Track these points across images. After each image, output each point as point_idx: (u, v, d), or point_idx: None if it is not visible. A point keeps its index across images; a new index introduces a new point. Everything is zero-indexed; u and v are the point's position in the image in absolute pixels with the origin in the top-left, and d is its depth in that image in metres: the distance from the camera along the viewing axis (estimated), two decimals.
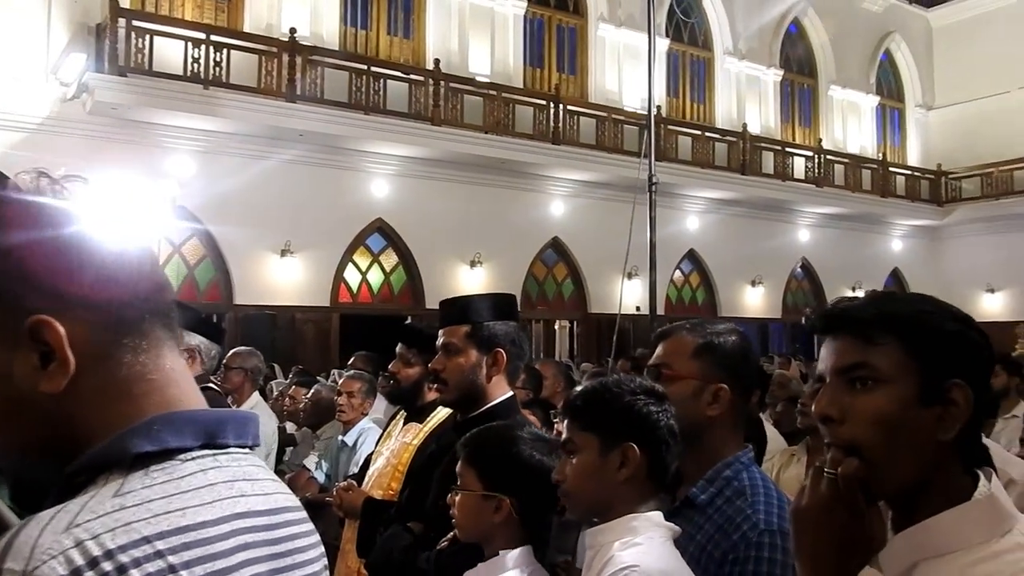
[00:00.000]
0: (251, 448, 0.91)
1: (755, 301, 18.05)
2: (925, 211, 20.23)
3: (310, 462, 4.71)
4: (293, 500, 0.93)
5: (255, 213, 12.10)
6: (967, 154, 20.23)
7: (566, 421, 1.66)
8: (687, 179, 15.81)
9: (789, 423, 4.50)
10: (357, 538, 2.83)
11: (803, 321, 18.33)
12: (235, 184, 11.88)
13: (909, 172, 20.44)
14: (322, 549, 0.96)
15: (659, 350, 1.79)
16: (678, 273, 17.20)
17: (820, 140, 19.07)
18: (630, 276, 13.56)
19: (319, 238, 12.80)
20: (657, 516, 1.58)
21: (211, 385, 3.46)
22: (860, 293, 16.11)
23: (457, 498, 1.86)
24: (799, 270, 19.10)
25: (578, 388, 1.71)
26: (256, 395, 4.69)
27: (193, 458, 0.83)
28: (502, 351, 2.21)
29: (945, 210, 20.35)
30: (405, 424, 3.08)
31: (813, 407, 1.13)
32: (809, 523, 1.11)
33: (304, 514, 0.94)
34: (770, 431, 4.25)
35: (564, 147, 14.42)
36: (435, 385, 2.25)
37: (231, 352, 4.52)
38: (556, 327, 16.27)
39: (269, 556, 0.85)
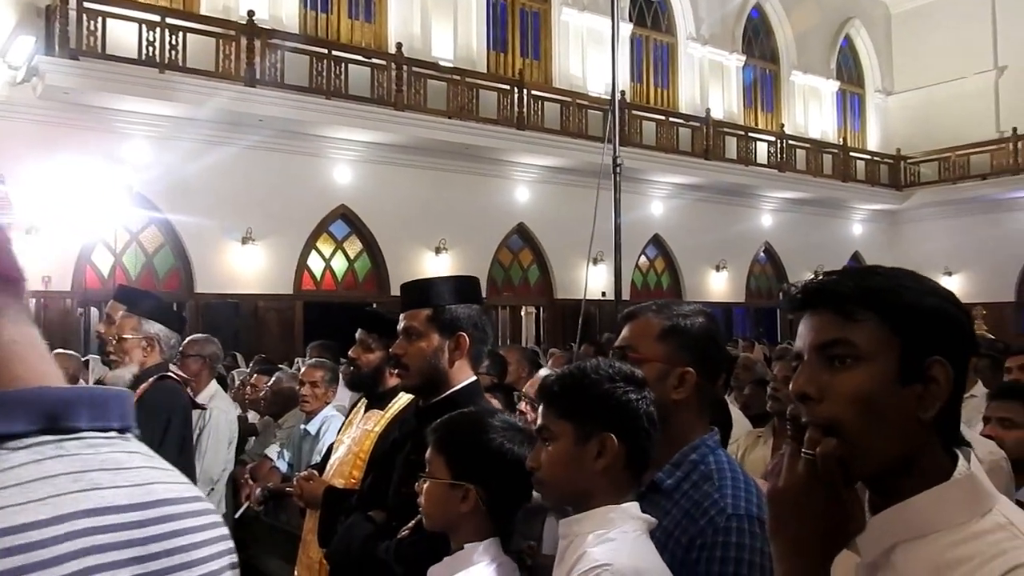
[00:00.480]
0: (121, 432, 0.77)
1: (719, 285, 18.18)
2: (884, 195, 20.50)
3: (272, 451, 4.63)
4: (182, 491, 0.78)
5: (215, 200, 11.89)
6: (925, 139, 20.53)
7: (541, 407, 1.60)
8: (651, 164, 15.84)
9: (755, 406, 4.53)
10: (318, 528, 2.77)
11: (780, 296, 18.52)
12: (194, 171, 11.66)
13: (869, 157, 20.70)
14: (227, 545, 0.81)
15: (625, 332, 1.75)
16: (643, 258, 17.26)
17: (782, 125, 19.22)
18: (595, 262, 13.58)
19: (281, 225, 12.62)
20: (634, 508, 1.54)
21: (170, 374, 3.36)
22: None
23: (425, 486, 1.80)
24: (762, 254, 19.27)
25: (554, 373, 1.65)
26: (214, 383, 4.60)
27: (26, 446, 0.69)
28: (465, 335, 2.15)
29: (904, 194, 20.64)
30: (366, 411, 3.02)
31: (791, 385, 1.09)
32: (787, 505, 1.08)
33: (201, 506, 0.79)
34: (735, 414, 4.25)
35: (529, 132, 14.35)
36: (396, 370, 2.19)
37: (188, 339, 4.42)
38: (522, 313, 16.25)
39: (130, 560, 0.71)
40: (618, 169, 3.24)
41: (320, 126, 12.49)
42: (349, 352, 3.09)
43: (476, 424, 1.83)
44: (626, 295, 16.79)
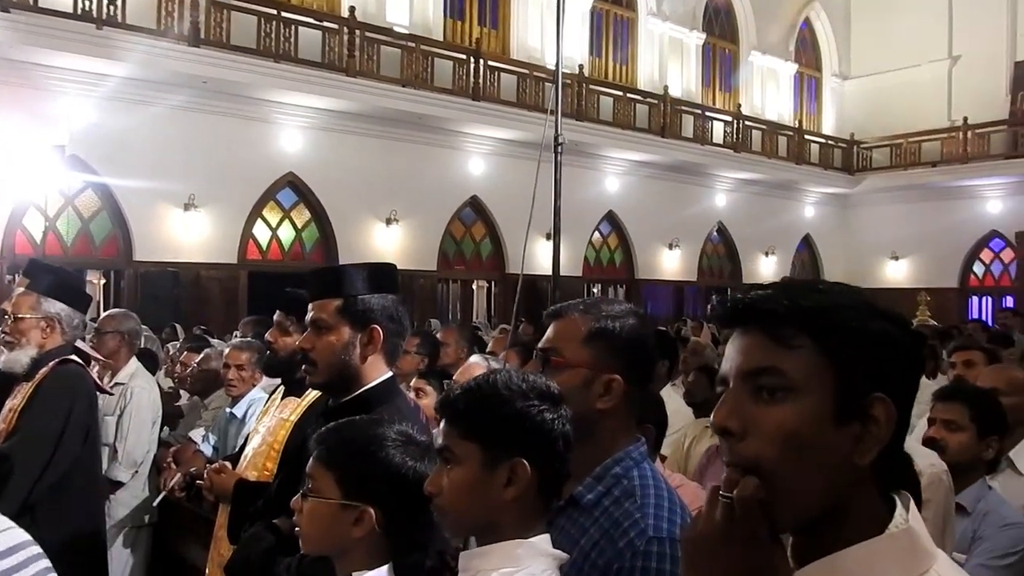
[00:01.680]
0: None
1: (672, 264, 18.20)
2: (837, 179, 20.68)
3: (196, 435, 4.41)
4: None
5: (156, 164, 11.46)
6: (878, 124, 20.71)
7: (443, 424, 1.41)
8: (607, 140, 15.74)
9: (699, 392, 4.41)
10: (228, 524, 2.60)
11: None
12: (134, 133, 11.21)
13: (823, 140, 20.83)
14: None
15: (549, 332, 1.60)
16: (597, 234, 17.19)
17: (739, 105, 19.21)
18: (548, 237, 13.46)
19: (226, 192, 12.24)
20: (543, 543, 1.38)
21: (73, 357, 3.12)
22: (773, 258, 16.43)
23: (306, 505, 1.58)
24: (715, 234, 19.33)
25: (459, 385, 1.46)
26: (134, 361, 4.36)
27: None
28: (378, 328, 1.97)
29: (856, 178, 20.84)
30: (284, 398, 2.85)
31: (712, 416, 0.95)
32: (701, 555, 0.94)
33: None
34: (678, 403, 4.16)
35: (484, 103, 14.10)
36: (304, 366, 2.00)
37: (104, 315, 4.18)
38: (474, 287, 16.09)
39: None
40: (560, 148, 3.07)
41: (268, 90, 12.08)
42: (266, 335, 2.90)
43: (369, 436, 1.61)
44: (579, 271, 16.81)
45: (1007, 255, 19.41)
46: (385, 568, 1.57)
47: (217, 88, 11.51)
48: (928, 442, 2.48)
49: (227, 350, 4.24)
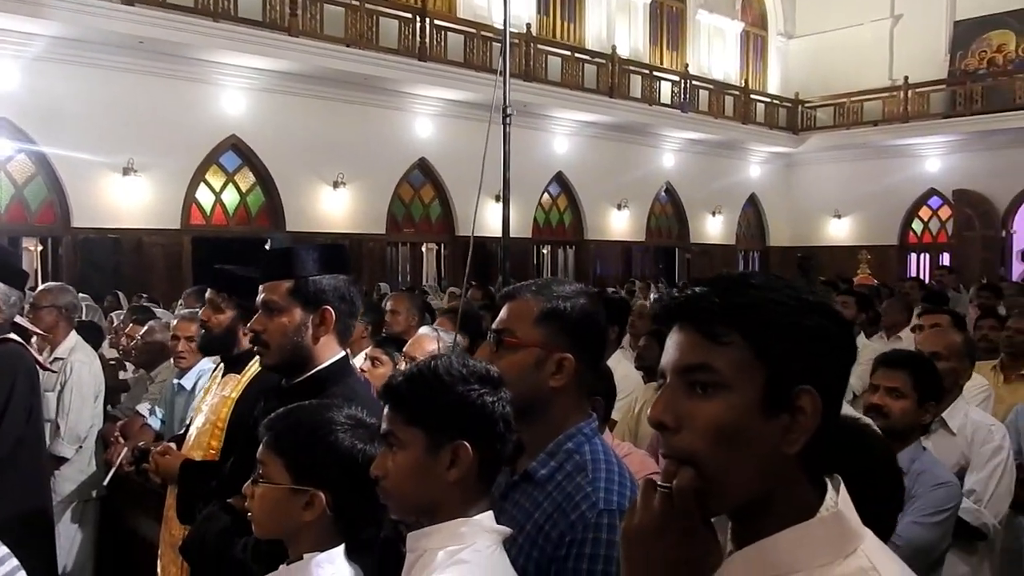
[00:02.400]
0: None
1: (620, 224, 18.32)
2: (782, 138, 20.95)
3: (143, 408, 4.36)
4: None
5: (92, 128, 11.12)
6: (822, 84, 20.98)
7: (387, 409, 1.44)
8: (556, 101, 15.69)
9: (649, 357, 4.45)
10: (177, 504, 2.59)
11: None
12: (68, 96, 10.85)
13: (768, 100, 21.04)
14: None
15: (503, 313, 1.63)
16: (546, 196, 17.20)
17: (687, 65, 19.26)
18: (498, 199, 13.45)
19: (166, 156, 11.92)
20: (487, 520, 1.42)
21: (11, 336, 3.05)
22: (720, 218, 16.60)
23: (257, 490, 1.60)
24: (663, 194, 19.48)
25: (401, 372, 1.49)
26: (73, 335, 4.28)
27: None
28: (330, 309, 1.97)
29: (800, 138, 21.13)
30: (224, 376, 2.85)
31: (649, 412, 0.98)
32: (639, 545, 0.98)
33: None
34: (626, 368, 4.21)
35: (430, 64, 13.91)
36: (256, 347, 1.99)
37: (40, 289, 4.09)
38: (423, 249, 16.02)
39: None
40: (508, 119, 3.06)
41: (207, 50, 11.75)
42: (199, 314, 2.91)
43: (320, 421, 1.63)
44: (528, 233, 16.79)
45: (944, 212, 19.95)
46: (338, 549, 1.60)
47: (154, 48, 11.16)
48: (871, 408, 2.57)
49: (174, 321, 4.17)
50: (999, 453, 2.84)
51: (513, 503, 1.55)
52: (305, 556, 1.58)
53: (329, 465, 1.58)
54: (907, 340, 5.69)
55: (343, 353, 2.04)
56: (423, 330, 3.12)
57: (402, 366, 3.02)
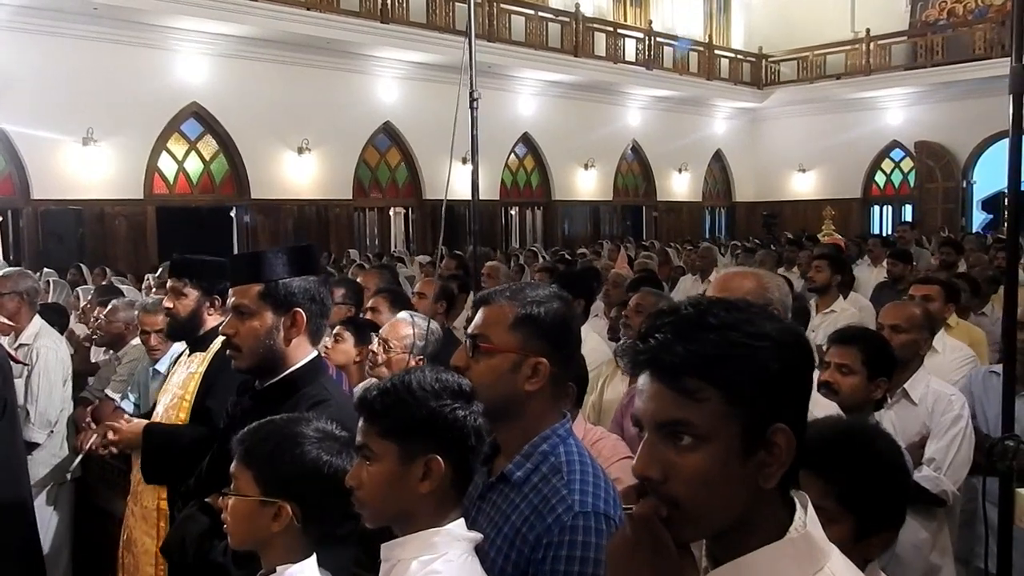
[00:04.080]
0: None
1: (588, 184, 18.33)
2: (746, 93, 20.98)
3: (113, 391, 4.34)
4: None
5: (50, 98, 10.87)
6: (786, 38, 20.96)
7: (362, 422, 1.49)
8: (521, 60, 15.56)
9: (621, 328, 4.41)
10: (142, 466, 2.65)
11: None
12: (22, 65, 10.59)
13: (732, 55, 21.02)
14: None
15: (478, 319, 1.66)
16: (513, 157, 17.13)
17: (651, 22, 19.15)
18: (464, 161, 13.36)
19: (127, 124, 11.69)
20: (459, 528, 1.47)
21: None
22: (687, 175, 16.63)
23: (229, 502, 1.65)
24: (630, 152, 19.50)
25: (374, 387, 1.52)
26: (37, 319, 4.23)
27: None
28: (301, 311, 1.99)
29: (764, 92, 21.18)
30: (190, 355, 2.91)
31: (634, 466, 1.01)
32: (617, 563, 1.05)
33: None
34: (596, 341, 4.23)
35: (393, 26, 13.70)
36: (228, 351, 2.00)
37: None
38: (391, 214, 15.93)
39: None
40: (475, 104, 3.05)
41: (165, 15, 11.48)
42: (163, 302, 2.97)
43: (286, 435, 1.67)
44: (496, 195, 16.74)
45: (907, 164, 20.19)
46: (310, 560, 1.64)
47: (109, 15, 10.89)
48: (822, 385, 2.63)
49: (138, 314, 4.13)
50: (958, 422, 2.92)
51: (491, 504, 1.59)
52: (278, 568, 1.62)
53: (296, 478, 1.62)
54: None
55: (315, 353, 2.07)
56: (401, 315, 3.13)
57: (375, 346, 3.04)
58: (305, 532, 1.63)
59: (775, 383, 0.98)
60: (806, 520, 1.02)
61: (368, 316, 3.97)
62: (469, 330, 1.66)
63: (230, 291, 2.02)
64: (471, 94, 2.95)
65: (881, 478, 1.53)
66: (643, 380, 1.02)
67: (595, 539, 1.47)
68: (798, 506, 1.04)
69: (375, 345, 3.06)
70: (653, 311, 1.10)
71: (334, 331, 3.63)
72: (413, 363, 2.76)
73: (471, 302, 4.91)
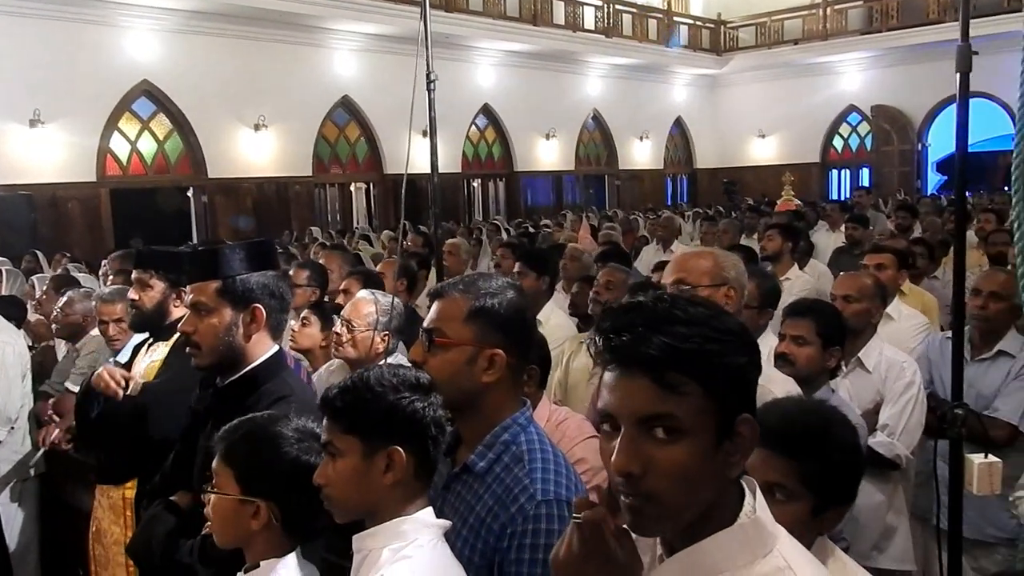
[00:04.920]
0: None
1: (550, 154, 18.30)
2: (705, 60, 21.02)
3: (73, 383, 4.28)
4: None
5: None
6: (744, 4, 21.00)
7: (325, 420, 1.52)
8: (479, 31, 15.42)
9: (583, 303, 4.34)
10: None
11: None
12: None
13: (691, 21, 21.01)
14: None
15: (432, 312, 1.66)
16: (474, 129, 17.03)
17: None
18: (425, 135, 13.21)
19: (75, 105, 11.41)
20: (427, 515, 1.51)
21: None
22: (648, 143, 16.61)
23: (212, 499, 1.67)
24: (591, 121, 19.48)
25: (336, 385, 1.54)
26: None
27: None
28: (260, 307, 1.97)
29: (723, 59, 21.24)
30: (151, 345, 2.94)
31: (612, 462, 1.01)
32: (565, 573, 1.08)
33: None
34: (561, 318, 4.25)
35: None
36: (188, 349, 1.99)
37: None
38: (352, 189, 15.79)
39: None
40: (432, 85, 3.03)
41: None
42: (128, 294, 2.97)
43: (265, 434, 1.69)
44: (457, 167, 16.61)
45: (863, 128, 20.42)
46: (291, 556, 1.67)
47: None
48: (779, 356, 2.69)
49: (97, 304, 4.07)
50: (910, 388, 3.00)
51: (455, 495, 1.61)
52: (262, 564, 1.65)
53: (275, 477, 1.64)
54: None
55: (276, 348, 2.05)
56: (361, 293, 3.11)
57: (339, 328, 3.03)
58: (286, 529, 1.66)
59: (743, 376, 1.02)
60: (755, 505, 1.06)
61: (340, 298, 3.96)
62: (424, 324, 1.67)
63: (187, 288, 2.00)
64: (428, 75, 2.92)
65: (840, 458, 1.58)
66: (616, 375, 1.02)
67: (558, 526, 1.50)
68: (747, 491, 1.07)
69: (338, 326, 3.05)
70: (616, 305, 1.08)
71: (301, 315, 3.62)
72: (378, 339, 2.76)
73: (434, 279, 4.91)
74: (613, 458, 1.00)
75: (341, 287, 4.06)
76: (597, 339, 1.04)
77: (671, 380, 0.98)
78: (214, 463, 1.68)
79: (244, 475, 1.65)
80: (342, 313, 3.09)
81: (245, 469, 1.65)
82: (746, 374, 1.03)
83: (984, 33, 13.95)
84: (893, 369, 3.07)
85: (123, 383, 2.65)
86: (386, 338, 2.84)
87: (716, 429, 1.00)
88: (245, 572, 1.67)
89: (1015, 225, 1.72)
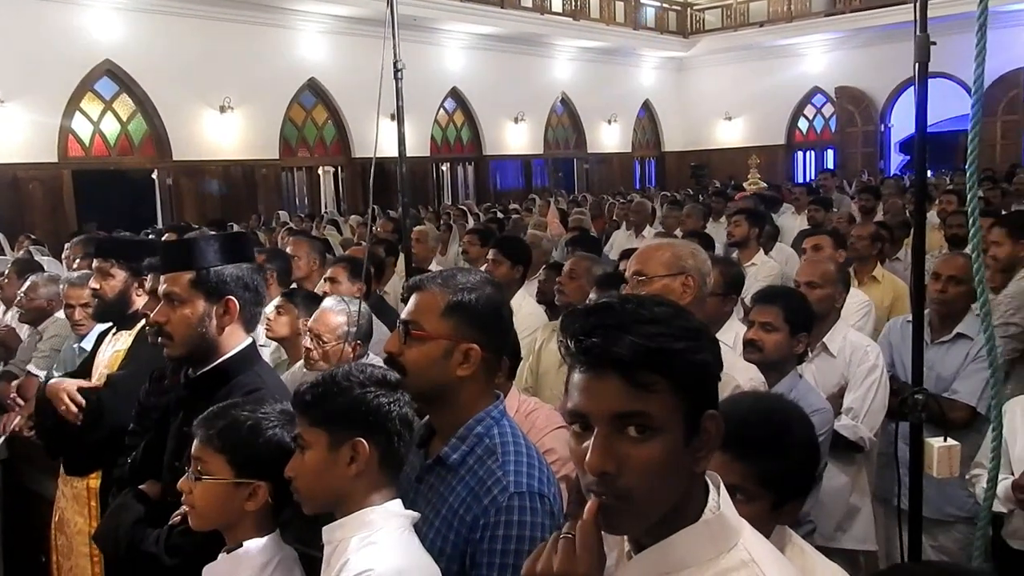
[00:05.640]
0: None
1: (518, 138, 18.28)
2: (672, 43, 21.08)
3: (36, 367, 4.24)
4: None
5: None
6: None
7: (296, 416, 1.58)
8: (447, 13, 15.31)
9: (550, 291, 4.35)
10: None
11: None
12: None
13: (658, 4, 21.04)
14: None
15: (410, 305, 1.68)
16: (442, 112, 16.95)
17: None
18: (392, 118, 13.09)
19: (36, 84, 11.19)
20: (394, 506, 1.55)
21: None
22: (616, 126, 16.63)
23: (198, 486, 1.68)
24: (559, 105, 19.47)
25: (306, 382, 1.59)
26: None
27: None
28: (234, 299, 1.97)
29: (690, 41, 21.32)
30: (115, 333, 2.93)
31: (586, 462, 1.01)
32: None
33: None
34: (532, 306, 4.26)
35: None
36: (159, 339, 1.98)
37: None
38: (319, 173, 15.66)
39: None
40: (399, 73, 3.02)
41: None
42: (90, 283, 2.96)
43: (256, 418, 1.74)
44: (426, 151, 16.52)
45: (828, 109, 20.64)
46: (272, 535, 1.72)
47: None
48: (748, 343, 2.74)
49: (65, 287, 4.02)
50: (873, 372, 3.07)
51: (428, 486, 1.64)
52: (246, 544, 1.68)
53: (268, 458, 1.68)
54: None
55: (249, 340, 2.05)
56: (327, 302, 3.07)
57: (307, 342, 2.99)
58: (272, 509, 1.71)
59: (708, 373, 1.05)
60: (719, 501, 1.09)
61: (327, 287, 3.94)
62: (402, 316, 1.68)
63: (161, 278, 1.99)
64: (395, 64, 2.91)
65: (797, 457, 1.61)
66: (587, 376, 1.03)
67: (530, 518, 1.53)
68: (711, 486, 1.10)
69: (307, 341, 3.01)
70: (582, 307, 1.09)
71: (276, 304, 3.59)
72: (349, 350, 2.75)
73: (402, 266, 4.89)
74: (587, 458, 1.02)
75: (327, 275, 4.04)
76: (568, 341, 1.05)
77: (642, 378, 0.99)
78: (197, 450, 1.70)
79: (237, 458, 1.68)
80: (309, 325, 3.04)
81: (238, 452, 1.68)
82: (710, 371, 1.05)
83: (943, 14, 14.25)
84: (857, 353, 3.14)
85: (82, 405, 2.66)
86: (358, 347, 2.85)
87: (685, 426, 1.02)
88: (228, 552, 1.70)
89: (969, 207, 1.76)
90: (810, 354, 3.08)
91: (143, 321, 2.82)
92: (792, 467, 1.58)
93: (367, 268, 4.45)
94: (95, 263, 2.92)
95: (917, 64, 2.19)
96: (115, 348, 2.89)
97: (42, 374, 4.30)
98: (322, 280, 4.10)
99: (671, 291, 2.28)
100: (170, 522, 1.85)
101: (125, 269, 2.90)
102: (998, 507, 2.54)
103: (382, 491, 1.55)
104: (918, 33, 2.18)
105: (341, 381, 1.54)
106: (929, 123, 2.30)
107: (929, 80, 2.24)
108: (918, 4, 2.15)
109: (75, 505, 2.94)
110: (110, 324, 3.23)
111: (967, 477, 2.82)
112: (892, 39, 16.79)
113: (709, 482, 1.10)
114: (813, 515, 2.51)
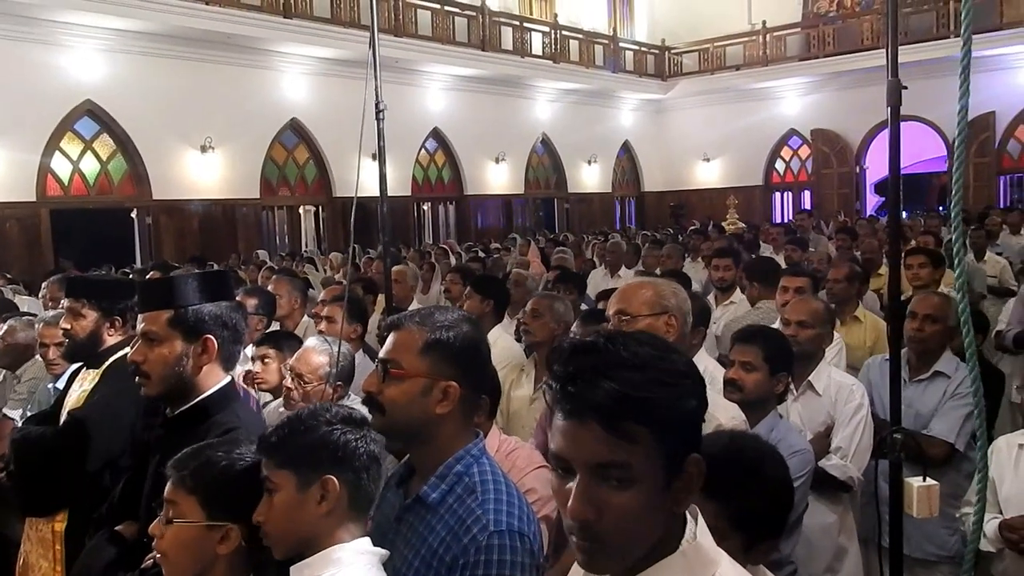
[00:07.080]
0: None
1: (499, 178, 18.39)
2: (651, 85, 21.39)
3: (13, 412, 4.17)
4: None
5: None
6: (688, 30, 21.44)
7: (263, 459, 1.57)
8: (428, 55, 15.48)
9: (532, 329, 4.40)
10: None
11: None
12: None
13: (636, 47, 21.39)
14: None
15: (388, 343, 1.68)
16: (423, 152, 17.05)
17: (556, 15, 19.33)
18: (374, 157, 13.15)
19: (16, 124, 11.16)
20: (362, 544, 1.54)
21: None
22: (596, 166, 16.78)
23: (169, 530, 1.62)
24: (540, 145, 19.64)
25: (272, 425, 1.58)
26: None
27: None
28: (212, 338, 1.95)
29: (668, 84, 21.63)
30: (83, 372, 2.90)
31: (568, 508, 1.02)
32: None
33: None
34: (508, 341, 4.26)
35: (296, 21, 13.44)
36: (137, 378, 1.96)
37: None
38: (300, 212, 15.64)
39: None
40: (381, 114, 3.05)
41: (54, 10, 10.98)
42: (60, 323, 2.93)
43: (227, 458, 1.68)
44: (407, 191, 16.59)
45: (804, 151, 20.94)
46: None
47: None
48: (728, 382, 2.74)
49: (39, 327, 3.98)
50: (860, 411, 3.07)
51: (408, 526, 1.62)
52: None
53: (241, 498, 1.62)
54: None
55: (228, 379, 2.03)
56: (310, 342, 3.05)
57: (288, 382, 2.97)
58: (247, 551, 1.65)
59: (693, 418, 1.05)
60: (696, 531, 1.09)
61: (323, 327, 3.93)
62: (380, 354, 1.68)
63: (139, 317, 1.97)
64: (377, 105, 2.94)
65: (769, 498, 1.61)
66: (569, 422, 1.02)
67: (510, 557, 1.52)
68: (688, 517, 1.10)
69: (289, 381, 2.98)
70: (567, 345, 1.09)
71: (260, 354, 3.54)
72: (330, 391, 2.73)
73: (380, 303, 4.86)
74: (569, 504, 1.02)
75: (324, 314, 4.03)
76: (552, 384, 1.05)
77: (624, 429, 0.99)
78: (169, 492, 1.65)
79: (209, 500, 1.63)
80: (291, 364, 3.02)
81: (210, 494, 1.63)
82: (695, 417, 1.05)
83: (914, 59, 14.53)
84: (843, 392, 3.14)
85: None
86: (339, 389, 2.83)
87: (666, 470, 1.02)
88: None
89: (954, 249, 1.79)
90: (794, 393, 3.09)
91: (112, 359, 2.80)
92: (763, 507, 1.58)
93: (363, 307, 4.47)
94: (66, 302, 2.88)
95: (889, 108, 2.24)
96: (82, 388, 2.86)
97: (16, 415, 4.24)
98: (310, 319, 4.07)
99: (655, 330, 2.28)
100: (142, 565, 1.81)
101: (96, 309, 2.85)
102: (986, 546, 2.54)
103: (351, 529, 1.54)
104: (890, 77, 2.23)
105: (307, 420, 1.54)
106: (902, 165, 2.35)
107: (902, 123, 2.28)
108: (889, 50, 2.21)
109: (40, 549, 2.87)
110: (81, 363, 3.20)
111: (957, 516, 2.82)
112: (865, 82, 17.13)
113: (687, 513, 1.10)
114: (800, 555, 2.49)
